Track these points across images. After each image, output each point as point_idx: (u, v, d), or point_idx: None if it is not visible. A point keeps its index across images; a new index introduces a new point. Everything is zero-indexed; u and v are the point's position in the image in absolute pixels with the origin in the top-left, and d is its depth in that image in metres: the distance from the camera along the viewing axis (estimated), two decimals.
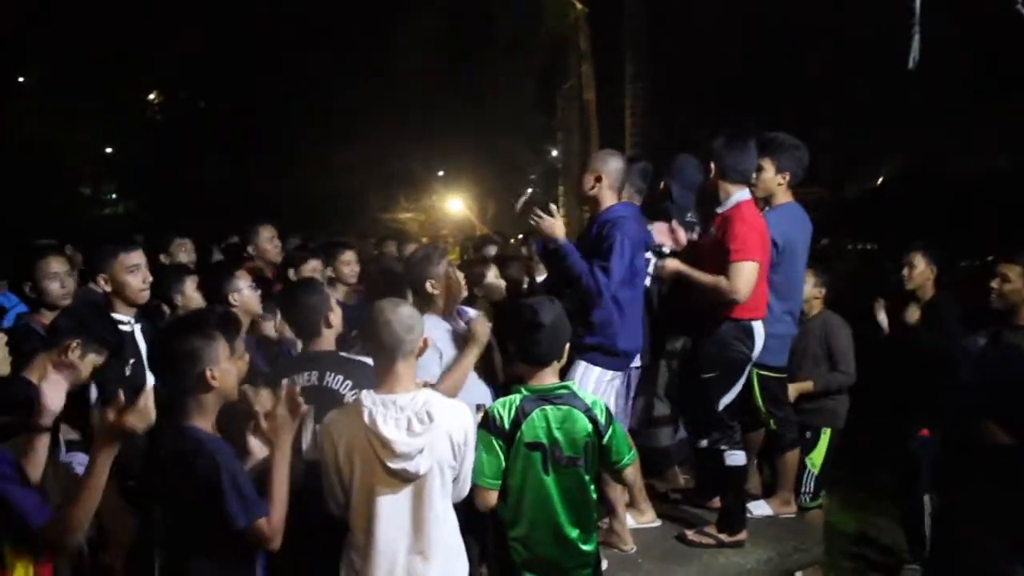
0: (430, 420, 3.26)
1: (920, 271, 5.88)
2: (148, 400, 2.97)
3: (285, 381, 3.38)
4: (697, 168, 5.26)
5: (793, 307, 5.30)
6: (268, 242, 6.55)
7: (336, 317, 3.94)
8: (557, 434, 3.64)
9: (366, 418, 3.25)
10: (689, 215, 5.53)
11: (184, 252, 6.47)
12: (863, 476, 7.38)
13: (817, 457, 5.89)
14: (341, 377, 3.71)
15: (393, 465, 3.23)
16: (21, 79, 27.40)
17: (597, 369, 4.59)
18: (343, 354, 3.89)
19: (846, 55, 15.45)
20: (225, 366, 3.14)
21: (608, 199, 4.72)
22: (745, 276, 4.69)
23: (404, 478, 3.26)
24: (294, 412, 3.24)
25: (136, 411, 2.91)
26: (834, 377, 5.85)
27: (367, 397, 3.30)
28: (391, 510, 3.28)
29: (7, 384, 3.40)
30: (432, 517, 3.31)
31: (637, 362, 5.01)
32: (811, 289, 5.83)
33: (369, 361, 3.71)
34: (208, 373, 3.08)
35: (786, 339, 5.31)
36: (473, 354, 4.13)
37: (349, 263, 6.10)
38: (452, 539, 3.42)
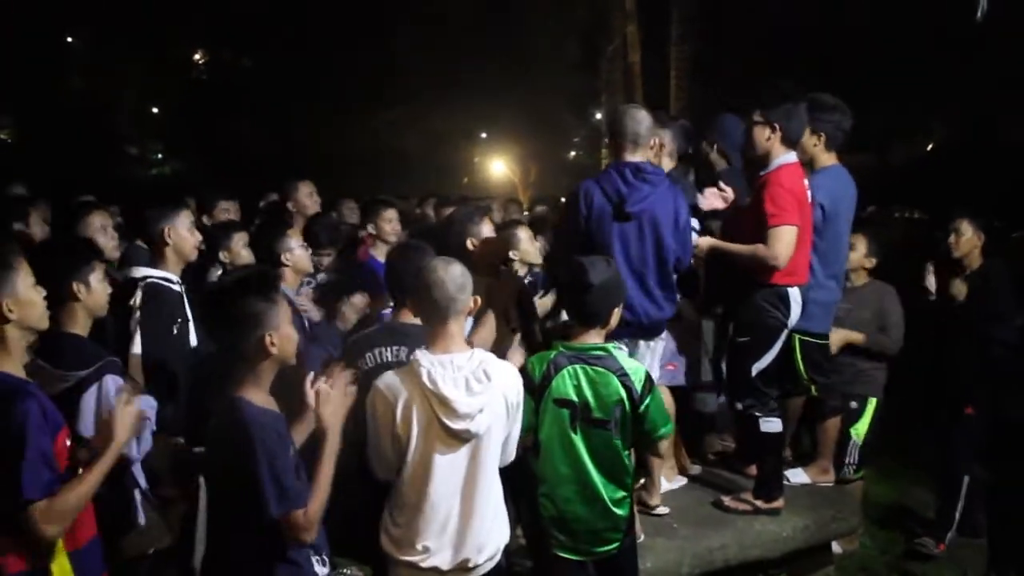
0: (488, 379, 3.23)
1: (967, 239, 5.74)
2: (124, 416, 2.97)
3: (340, 365, 3.22)
4: (741, 128, 5.17)
5: (837, 272, 5.22)
6: (307, 198, 6.52)
7: None
8: (588, 394, 3.63)
9: (425, 378, 3.18)
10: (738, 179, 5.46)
11: (228, 215, 6.47)
12: (902, 447, 7.29)
13: (862, 427, 5.81)
14: None
15: (454, 425, 3.18)
16: (70, 39, 27.66)
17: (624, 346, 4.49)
18: None
19: (897, 17, 15.11)
20: (285, 331, 2.94)
21: (619, 157, 4.60)
22: (784, 241, 4.61)
23: (463, 438, 3.22)
24: (348, 398, 3.12)
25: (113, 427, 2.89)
26: (884, 339, 5.74)
27: (423, 357, 3.24)
28: (447, 470, 3.24)
29: None
30: (484, 477, 3.29)
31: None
32: (861, 258, 5.75)
33: None
34: (267, 338, 2.88)
35: (830, 306, 5.23)
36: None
37: (391, 221, 6.06)
38: (499, 501, 3.40)
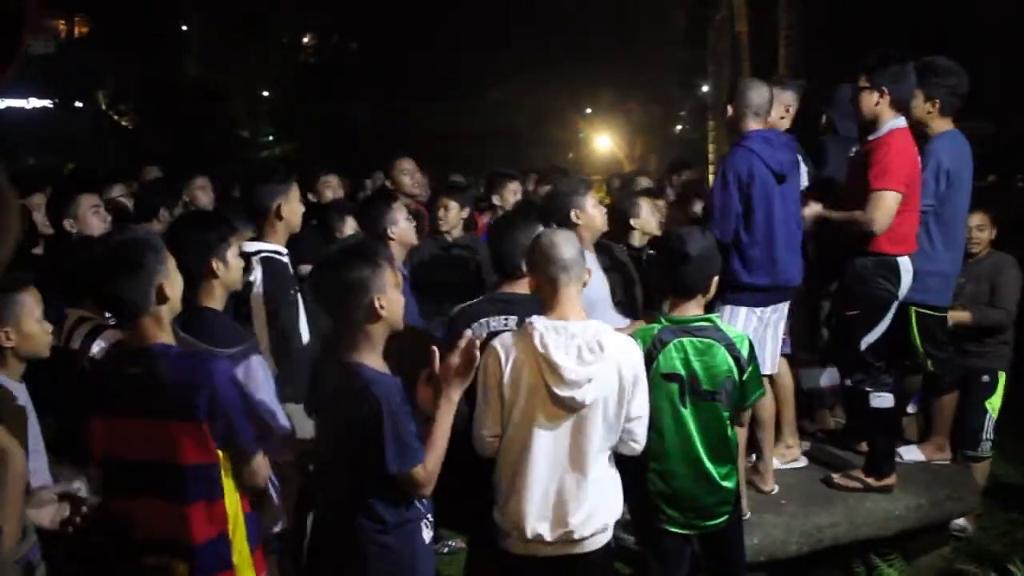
0: (600, 350, 3.22)
1: None
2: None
3: (467, 331, 3.24)
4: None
5: (958, 242, 5.03)
6: (407, 175, 6.55)
7: None
8: (696, 366, 3.60)
9: (537, 342, 3.21)
10: (855, 148, 5.30)
11: (330, 190, 6.58)
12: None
13: (996, 401, 5.56)
14: None
15: (560, 392, 3.19)
16: (184, 27, 28.56)
17: (742, 309, 4.46)
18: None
19: None
20: (392, 295, 3.03)
21: (740, 128, 4.56)
22: (884, 206, 4.47)
23: (569, 407, 3.22)
24: (469, 365, 3.11)
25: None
26: (992, 312, 5.49)
27: (539, 321, 3.27)
28: (550, 438, 3.26)
29: None
30: (591, 451, 3.28)
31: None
32: (980, 231, 5.49)
33: None
34: (376, 302, 2.96)
35: (950, 278, 5.04)
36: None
37: (516, 192, 6.15)
38: (608, 477, 3.39)
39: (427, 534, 3.12)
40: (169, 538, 2.81)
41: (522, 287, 3.64)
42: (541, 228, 3.69)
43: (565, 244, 3.32)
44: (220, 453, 2.85)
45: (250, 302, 4.01)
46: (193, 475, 2.77)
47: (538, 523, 3.26)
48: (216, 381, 2.74)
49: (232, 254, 3.62)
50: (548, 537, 3.27)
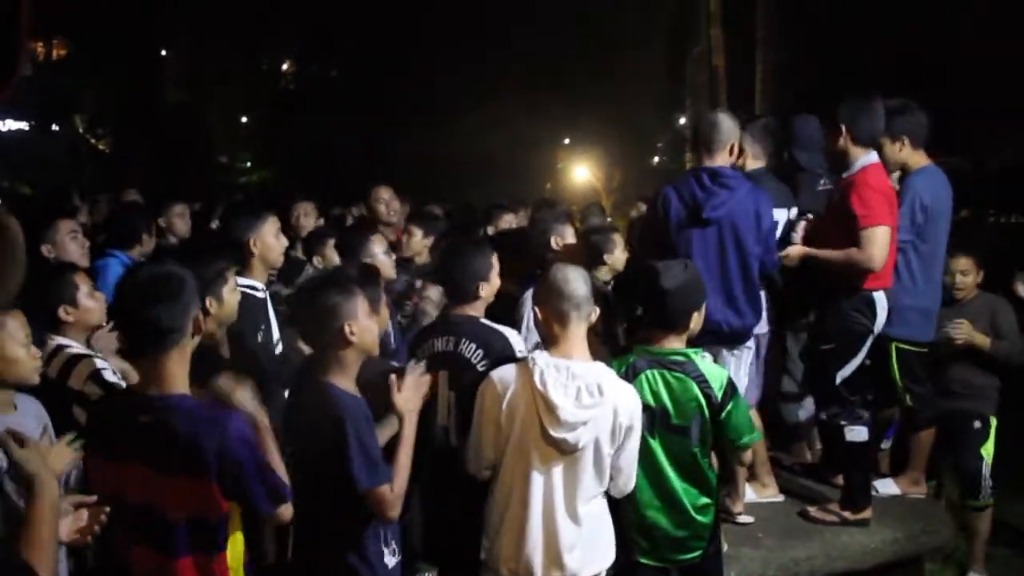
0: (600, 394, 3.21)
1: None
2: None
3: (412, 361, 3.39)
4: (817, 126, 5.08)
5: (937, 277, 5.07)
6: (383, 204, 6.41)
7: (492, 288, 3.78)
8: (665, 399, 3.58)
9: (536, 378, 3.20)
10: (823, 181, 5.34)
11: (306, 216, 6.57)
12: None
13: (991, 447, 5.51)
14: (474, 346, 3.60)
15: (554, 433, 3.18)
16: (164, 52, 28.55)
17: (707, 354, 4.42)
18: (483, 321, 3.75)
19: (989, 20, 14.67)
20: (364, 322, 3.12)
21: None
22: (878, 242, 4.50)
23: (561, 449, 3.21)
24: (419, 391, 3.27)
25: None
26: (1006, 345, 5.41)
27: (541, 357, 3.26)
28: (543, 479, 3.24)
29: None
30: (582, 494, 3.28)
31: (764, 328, 4.87)
32: (965, 275, 5.43)
33: (508, 332, 3.70)
34: (347, 328, 3.06)
35: (931, 313, 5.07)
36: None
37: (511, 224, 6.21)
38: (602, 522, 3.39)
39: (391, 560, 3.16)
40: None
41: (473, 310, 3.72)
42: (493, 255, 3.79)
43: (577, 280, 3.32)
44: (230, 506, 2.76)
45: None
46: (186, 529, 2.67)
47: (532, 562, 3.25)
48: (228, 439, 2.63)
49: (228, 289, 3.67)
50: None
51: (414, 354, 3.67)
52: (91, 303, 3.86)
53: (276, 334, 4.35)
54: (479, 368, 3.54)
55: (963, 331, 5.30)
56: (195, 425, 2.63)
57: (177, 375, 2.72)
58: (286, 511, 2.77)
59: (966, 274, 5.44)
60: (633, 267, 4.90)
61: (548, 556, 3.25)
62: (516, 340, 3.70)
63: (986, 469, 5.51)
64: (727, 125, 4.56)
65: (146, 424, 2.67)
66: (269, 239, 4.36)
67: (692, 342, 3.79)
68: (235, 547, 2.84)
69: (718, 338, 4.44)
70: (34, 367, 3.12)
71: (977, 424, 5.50)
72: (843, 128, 4.66)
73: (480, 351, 3.60)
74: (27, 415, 3.10)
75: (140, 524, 2.72)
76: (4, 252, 3.36)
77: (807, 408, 5.55)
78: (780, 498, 5.14)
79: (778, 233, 4.83)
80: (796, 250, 4.81)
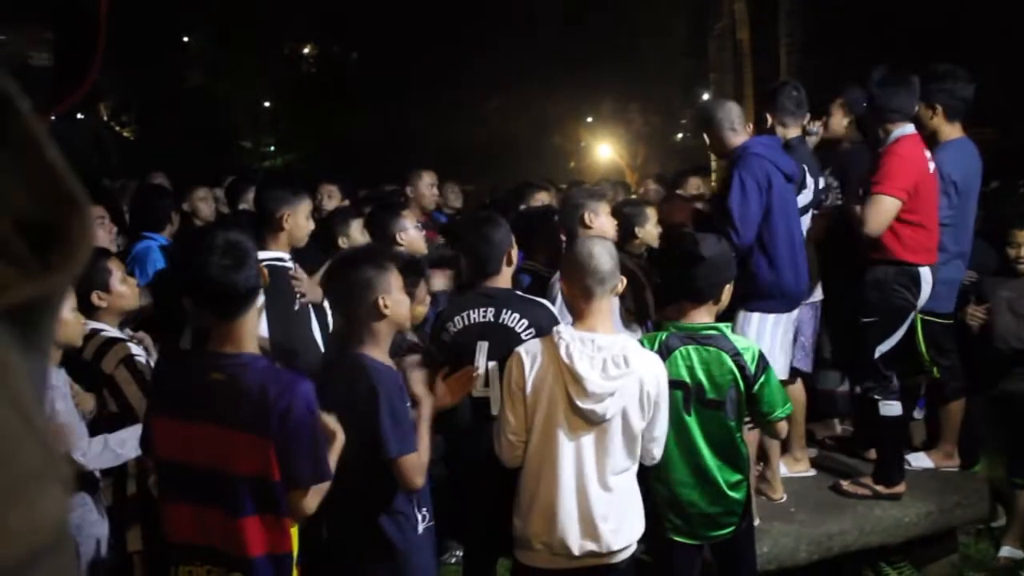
0: (626, 365, 3.23)
1: None
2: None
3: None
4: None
5: (965, 250, 5.03)
6: (427, 188, 6.65)
7: (515, 255, 3.87)
8: (700, 375, 3.58)
9: (562, 352, 3.22)
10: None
11: (329, 198, 6.60)
12: None
13: None
14: (517, 315, 3.64)
15: (582, 404, 3.20)
16: (186, 39, 28.62)
17: (755, 315, 4.43)
18: (520, 293, 3.85)
19: None
20: (397, 296, 3.18)
21: (732, 142, 4.54)
22: (880, 210, 4.48)
23: (589, 420, 3.23)
24: (461, 388, 3.42)
25: None
26: None
27: (566, 331, 3.29)
28: (573, 452, 3.26)
29: None
30: (613, 465, 3.29)
31: (816, 296, 4.90)
32: None
33: (548, 304, 3.75)
34: (380, 301, 3.12)
35: (955, 284, 5.05)
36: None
37: (543, 202, 6.24)
38: (632, 493, 3.40)
39: (422, 525, 3.21)
40: (222, 548, 2.77)
41: (504, 281, 3.78)
42: (508, 226, 3.86)
43: (603, 254, 3.34)
44: None
45: None
46: (250, 488, 2.72)
47: (566, 535, 3.26)
48: (295, 402, 2.71)
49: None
50: (576, 551, 3.27)
51: (445, 325, 3.71)
52: (124, 288, 3.91)
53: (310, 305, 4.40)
54: (523, 337, 3.56)
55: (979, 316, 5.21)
56: (266, 384, 2.72)
57: (251, 336, 2.84)
58: (314, 497, 2.77)
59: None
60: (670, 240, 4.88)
61: (583, 527, 3.26)
62: (556, 311, 3.74)
63: None
64: (739, 109, 4.67)
65: (218, 381, 2.76)
66: (301, 219, 4.41)
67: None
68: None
69: (794, 302, 4.53)
70: (80, 331, 3.32)
71: None
72: (881, 107, 4.62)
73: (524, 320, 3.63)
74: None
75: (206, 485, 2.77)
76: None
77: (847, 380, 5.52)
78: (812, 472, 5.12)
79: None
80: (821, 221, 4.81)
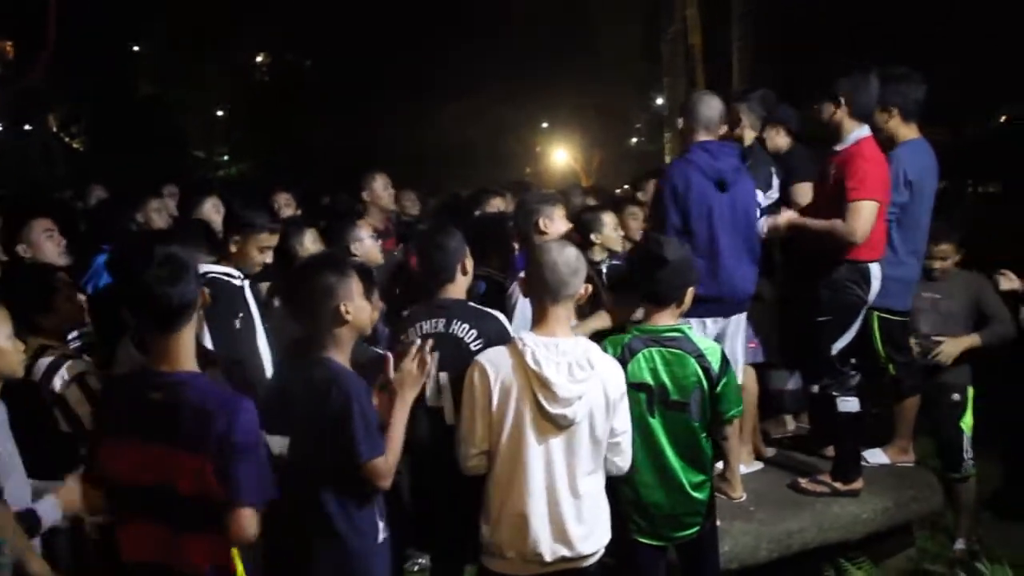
0: (591, 367, 3.25)
1: None
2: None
3: (417, 339, 3.46)
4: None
5: (919, 248, 5.09)
6: (383, 190, 6.60)
7: (470, 265, 3.86)
8: (664, 376, 3.60)
9: (529, 359, 3.22)
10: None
11: (286, 206, 6.55)
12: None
13: (969, 419, 5.54)
14: (467, 327, 3.64)
15: (552, 409, 3.21)
16: (136, 47, 28.29)
17: (692, 320, 4.38)
18: (472, 304, 3.83)
19: None
20: (359, 302, 3.19)
21: (688, 141, 4.67)
22: (864, 216, 4.51)
23: (559, 424, 3.24)
24: (422, 368, 3.32)
25: None
26: (998, 328, 5.40)
27: (529, 337, 3.29)
28: (542, 458, 3.26)
29: None
30: (581, 468, 3.30)
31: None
32: (947, 256, 5.40)
33: (498, 314, 3.74)
34: (342, 308, 3.13)
35: (911, 283, 5.12)
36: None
37: (498, 208, 6.25)
38: (600, 497, 3.42)
39: (382, 534, 3.21)
40: (172, 565, 2.77)
41: (458, 292, 3.79)
42: (461, 236, 3.85)
43: (567, 261, 3.34)
44: None
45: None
46: (193, 506, 2.72)
47: (538, 542, 3.26)
48: (235, 421, 2.70)
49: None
50: (548, 557, 3.28)
51: (400, 337, 3.70)
52: (69, 306, 3.85)
53: (258, 323, 4.35)
54: (473, 348, 3.56)
55: (946, 349, 5.33)
56: (205, 403, 2.71)
57: (188, 353, 2.82)
58: (251, 521, 2.73)
59: (945, 259, 5.41)
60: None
61: (555, 533, 3.27)
62: (507, 322, 3.75)
63: (966, 441, 5.54)
64: (722, 108, 4.71)
65: (156, 401, 2.75)
66: (250, 248, 4.36)
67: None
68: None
69: (732, 306, 4.56)
70: (19, 360, 3.20)
71: (956, 397, 5.52)
72: (842, 101, 4.65)
73: (474, 331, 3.62)
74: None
75: (151, 503, 2.76)
76: None
77: (796, 378, 5.59)
78: (759, 465, 5.18)
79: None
80: (784, 218, 4.84)
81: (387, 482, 3.13)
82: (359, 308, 3.20)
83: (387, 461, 3.11)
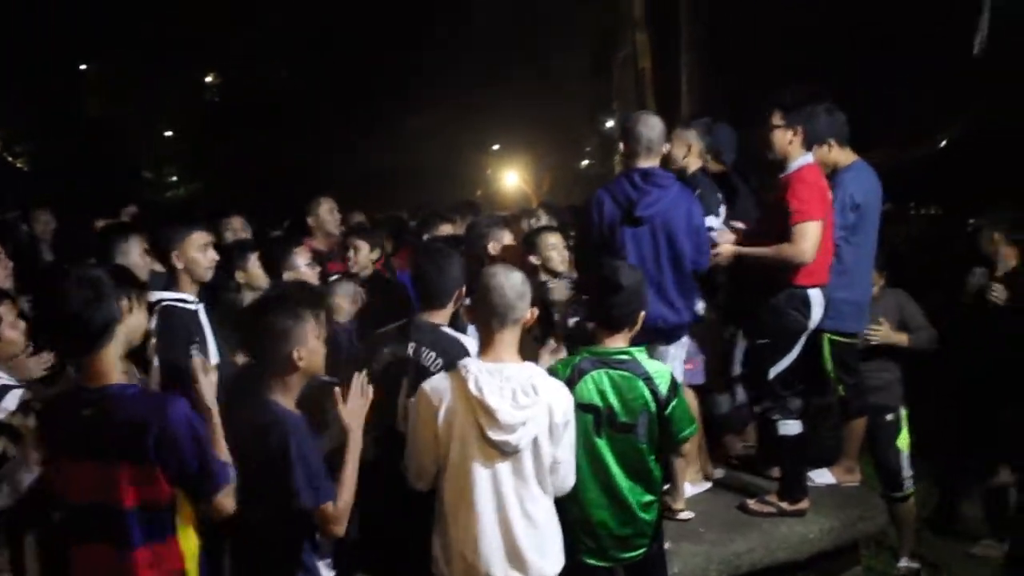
0: (535, 393, 3.22)
1: (998, 236, 5.71)
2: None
3: (356, 373, 3.36)
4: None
5: (868, 269, 5.20)
6: (328, 214, 6.55)
7: (463, 293, 3.81)
8: (612, 398, 3.62)
9: (471, 385, 3.19)
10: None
11: (236, 232, 6.48)
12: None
13: (905, 437, 5.71)
14: (434, 354, 3.64)
15: (495, 436, 3.17)
16: (83, 67, 27.94)
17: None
18: (444, 329, 3.79)
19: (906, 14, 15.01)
20: (313, 345, 3.13)
21: (627, 165, 4.65)
22: (809, 236, 4.57)
23: (502, 451, 3.21)
24: (363, 402, 3.24)
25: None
26: (923, 334, 5.64)
27: (472, 364, 3.25)
28: (488, 483, 3.24)
29: None
30: (528, 494, 3.28)
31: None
32: (874, 283, 5.50)
33: (466, 340, 3.72)
34: (295, 354, 3.08)
35: (863, 305, 5.20)
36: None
37: (448, 232, 6.21)
38: (551, 524, 3.39)
39: (327, 573, 3.20)
40: None
41: (440, 317, 3.76)
42: (463, 266, 3.83)
43: (510, 284, 3.31)
44: (175, 491, 2.81)
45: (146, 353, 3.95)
46: (138, 518, 2.72)
47: (490, 565, 3.24)
48: (169, 420, 2.70)
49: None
50: None
51: (369, 359, 3.68)
52: (13, 334, 3.79)
53: (213, 347, 4.28)
54: (432, 371, 3.55)
55: (881, 334, 5.46)
56: (135, 410, 2.71)
57: (115, 367, 2.80)
58: (227, 500, 2.79)
59: (872, 285, 5.48)
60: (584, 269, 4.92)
61: (509, 557, 3.26)
62: (473, 348, 3.70)
63: (904, 461, 5.70)
64: (662, 128, 4.64)
65: (88, 417, 2.73)
66: (192, 252, 4.29)
67: (629, 340, 3.83)
68: (188, 541, 2.85)
69: (655, 334, 4.49)
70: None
71: (889, 417, 5.69)
72: (798, 129, 4.70)
73: (440, 360, 3.62)
74: None
75: (93, 522, 2.74)
76: None
77: (729, 399, 5.66)
78: (707, 486, 5.21)
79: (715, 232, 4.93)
80: (727, 248, 4.87)
81: (340, 527, 3.08)
82: (312, 352, 3.14)
83: (336, 506, 3.06)
